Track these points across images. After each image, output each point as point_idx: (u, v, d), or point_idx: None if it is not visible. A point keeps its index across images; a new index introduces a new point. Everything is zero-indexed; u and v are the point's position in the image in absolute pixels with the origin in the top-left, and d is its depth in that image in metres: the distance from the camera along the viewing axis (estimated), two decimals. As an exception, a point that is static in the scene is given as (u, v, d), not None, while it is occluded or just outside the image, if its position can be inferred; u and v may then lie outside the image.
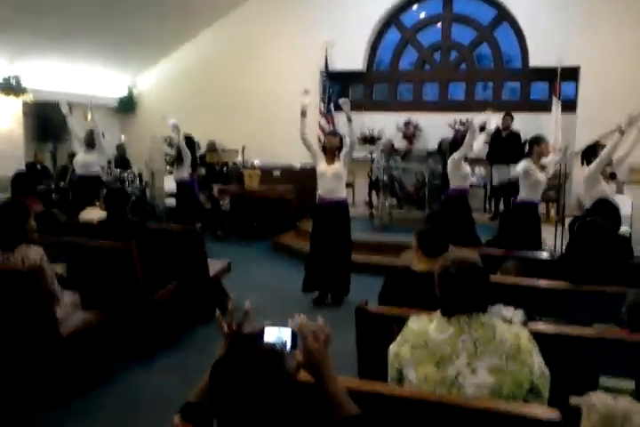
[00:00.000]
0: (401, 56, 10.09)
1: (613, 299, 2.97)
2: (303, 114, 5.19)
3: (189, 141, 7.50)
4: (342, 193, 5.29)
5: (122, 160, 9.72)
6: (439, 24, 9.77)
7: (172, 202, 9.61)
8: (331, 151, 5.16)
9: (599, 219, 3.28)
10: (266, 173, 8.55)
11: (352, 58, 9.84)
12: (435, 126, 9.60)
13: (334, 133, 5.38)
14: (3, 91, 8.13)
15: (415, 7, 9.83)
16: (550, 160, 5.15)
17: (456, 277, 2.06)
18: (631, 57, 8.46)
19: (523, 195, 5.12)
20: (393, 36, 10.02)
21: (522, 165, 5.08)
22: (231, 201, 8.65)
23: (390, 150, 8.96)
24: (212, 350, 1.64)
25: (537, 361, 2.04)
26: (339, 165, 5.13)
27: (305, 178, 7.68)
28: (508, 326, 2.10)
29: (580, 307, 3.28)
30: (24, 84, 8.37)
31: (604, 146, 5.02)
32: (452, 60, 9.81)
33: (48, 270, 3.28)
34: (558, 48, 8.60)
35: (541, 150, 5.09)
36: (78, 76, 9.61)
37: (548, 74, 8.95)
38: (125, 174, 8.93)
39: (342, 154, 5.16)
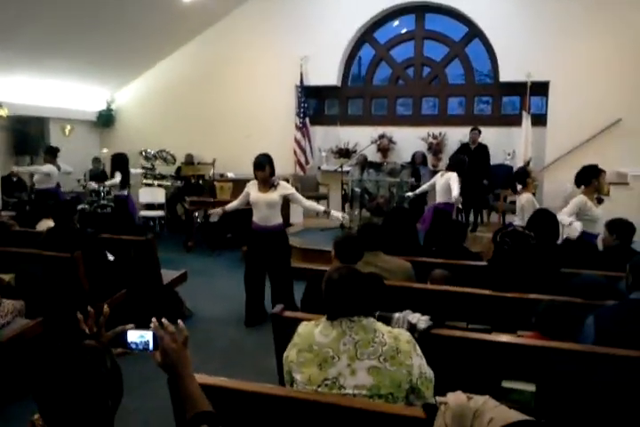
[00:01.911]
0: (375, 72, 10.25)
1: (536, 306, 3.07)
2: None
3: (120, 159, 7.69)
4: (277, 220, 5.19)
5: (98, 173, 9.81)
6: (412, 41, 9.93)
7: (147, 213, 9.78)
8: (262, 181, 5.07)
9: (520, 229, 3.38)
10: (239, 184, 8.60)
11: (327, 73, 9.97)
12: (408, 140, 9.74)
13: (262, 167, 5.00)
14: (-23, 106, 8.20)
15: (388, 24, 9.99)
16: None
17: (337, 283, 2.17)
18: (600, 72, 8.57)
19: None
20: (367, 52, 10.17)
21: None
22: (204, 213, 8.73)
23: (364, 163, 9.10)
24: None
25: (417, 363, 2.11)
26: (274, 195, 5.04)
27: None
28: (389, 329, 2.19)
29: (503, 314, 3.37)
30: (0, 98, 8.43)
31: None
32: (424, 75, 9.97)
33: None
34: (528, 63, 8.75)
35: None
36: (55, 91, 9.69)
37: (518, 89, 9.10)
38: (101, 187, 9.01)
39: (288, 194, 5.14)
